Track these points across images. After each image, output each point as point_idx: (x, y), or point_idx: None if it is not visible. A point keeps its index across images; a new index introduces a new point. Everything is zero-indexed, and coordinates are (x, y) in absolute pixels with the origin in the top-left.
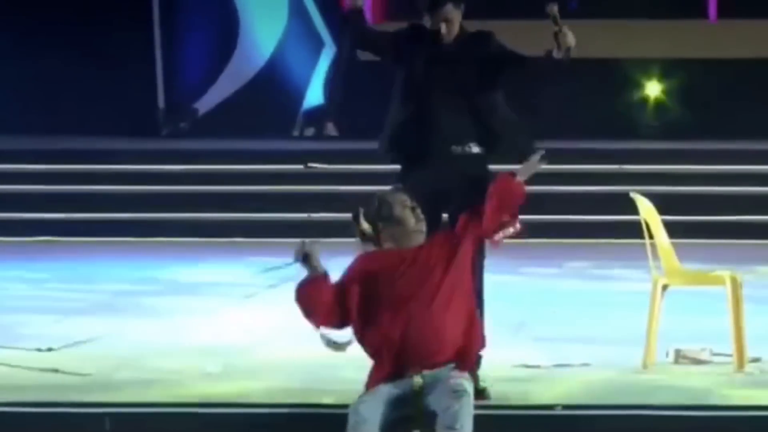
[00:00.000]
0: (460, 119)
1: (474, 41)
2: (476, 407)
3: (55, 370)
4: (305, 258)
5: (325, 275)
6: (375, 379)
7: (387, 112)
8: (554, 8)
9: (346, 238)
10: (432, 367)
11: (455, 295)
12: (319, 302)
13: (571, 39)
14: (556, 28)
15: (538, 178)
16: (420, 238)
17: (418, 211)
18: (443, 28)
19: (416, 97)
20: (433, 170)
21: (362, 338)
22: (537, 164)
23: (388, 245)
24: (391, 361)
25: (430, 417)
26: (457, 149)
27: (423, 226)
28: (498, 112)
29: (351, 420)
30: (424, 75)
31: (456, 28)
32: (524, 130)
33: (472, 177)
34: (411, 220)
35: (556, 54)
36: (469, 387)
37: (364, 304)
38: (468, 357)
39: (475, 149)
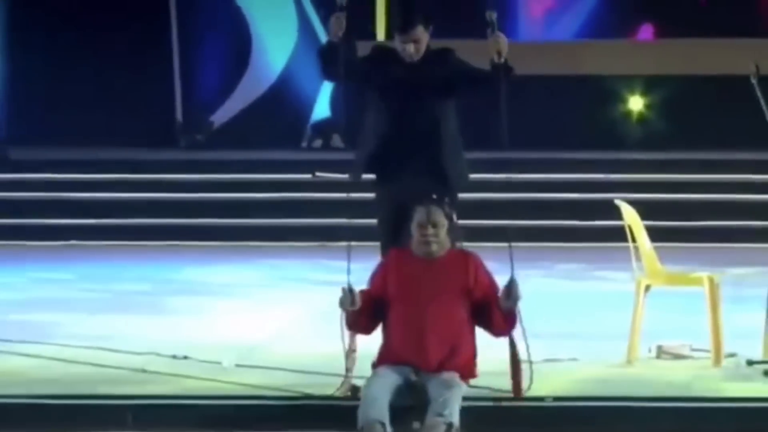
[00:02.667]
0: (422, 136)
1: (436, 58)
2: (471, 399)
3: (85, 364)
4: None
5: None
6: (383, 359)
7: (358, 138)
8: (493, 15)
9: (352, 242)
10: (428, 369)
11: (465, 319)
12: (365, 327)
13: (502, 44)
14: (492, 35)
15: (530, 186)
16: (420, 254)
17: (429, 233)
18: (411, 47)
19: (385, 115)
20: (398, 185)
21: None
22: (517, 294)
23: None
24: (396, 350)
25: (426, 407)
26: (419, 165)
27: (428, 248)
28: (449, 135)
29: (367, 395)
30: (391, 94)
31: (423, 48)
32: (465, 162)
33: (434, 192)
34: (415, 237)
35: (495, 59)
36: (460, 380)
37: (386, 292)
38: (467, 371)
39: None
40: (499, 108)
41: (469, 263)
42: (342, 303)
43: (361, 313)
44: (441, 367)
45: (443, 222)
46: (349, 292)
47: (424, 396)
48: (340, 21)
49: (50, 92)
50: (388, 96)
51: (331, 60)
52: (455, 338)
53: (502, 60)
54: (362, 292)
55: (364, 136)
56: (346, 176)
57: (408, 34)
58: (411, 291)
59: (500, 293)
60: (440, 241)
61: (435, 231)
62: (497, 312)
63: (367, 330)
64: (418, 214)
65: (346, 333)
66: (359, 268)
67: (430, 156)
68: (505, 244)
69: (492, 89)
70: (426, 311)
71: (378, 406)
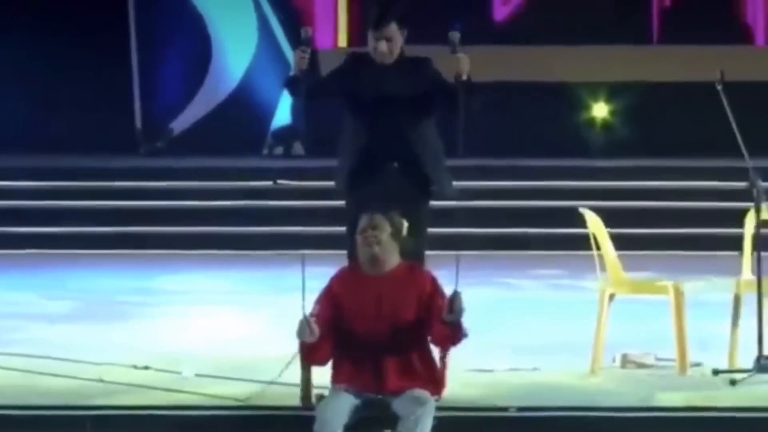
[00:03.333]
0: (398, 141)
1: (412, 66)
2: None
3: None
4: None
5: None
6: (339, 378)
7: (340, 145)
8: (456, 35)
9: (313, 250)
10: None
11: (421, 336)
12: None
13: (464, 64)
14: (453, 55)
15: (491, 194)
16: (364, 260)
17: (369, 234)
18: (383, 46)
19: (360, 125)
20: (370, 195)
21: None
22: (461, 307)
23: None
24: (352, 375)
25: (395, 420)
26: (394, 175)
27: (370, 250)
28: (428, 143)
29: (318, 419)
30: (364, 106)
31: (397, 50)
32: (446, 169)
33: (408, 200)
34: (359, 243)
35: (457, 78)
36: (431, 397)
37: (335, 314)
38: (433, 386)
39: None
40: (457, 119)
41: (416, 277)
42: (300, 334)
43: (320, 341)
44: (401, 390)
45: (385, 226)
46: (306, 321)
47: (388, 410)
48: (304, 58)
49: (4, 99)
50: (362, 108)
51: (296, 90)
52: (413, 357)
53: (464, 78)
54: (316, 316)
55: (345, 144)
56: (301, 183)
57: (380, 30)
58: (361, 310)
59: (444, 306)
60: (381, 243)
61: (375, 233)
62: (439, 326)
63: (325, 360)
64: (361, 221)
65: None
66: (322, 276)
67: (406, 166)
68: (467, 252)
69: (455, 104)
70: (379, 331)
71: (331, 429)
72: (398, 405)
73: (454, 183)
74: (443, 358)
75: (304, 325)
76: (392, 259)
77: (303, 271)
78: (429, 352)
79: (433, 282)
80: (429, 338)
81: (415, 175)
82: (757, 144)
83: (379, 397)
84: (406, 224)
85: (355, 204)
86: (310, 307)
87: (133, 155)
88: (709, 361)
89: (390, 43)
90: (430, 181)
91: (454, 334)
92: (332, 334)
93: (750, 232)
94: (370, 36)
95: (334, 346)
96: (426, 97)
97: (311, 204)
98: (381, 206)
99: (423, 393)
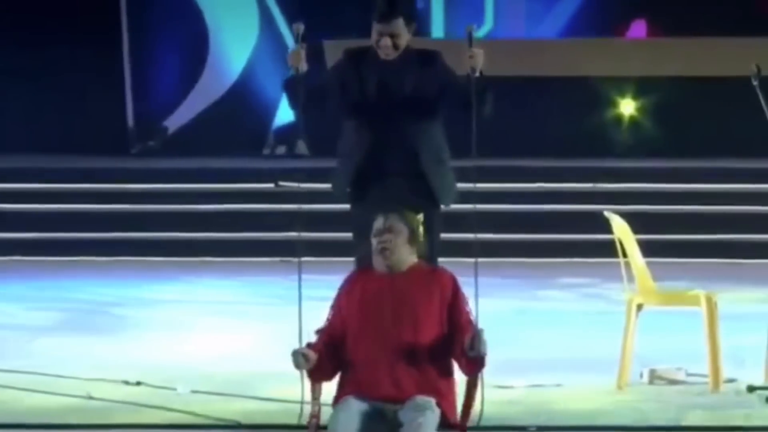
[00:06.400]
0: (401, 142)
1: (419, 60)
2: (450, 428)
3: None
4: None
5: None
6: (346, 390)
7: (340, 149)
8: (473, 27)
9: (317, 257)
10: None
11: (438, 342)
12: (330, 373)
13: (477, 60)
14: (468, 50)
15: (510, 197)
16: (378, 265)
17: (384, 239)
18: (388, 41)
19: (364, 118)
20: (378, 201)
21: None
22: (482, 347)
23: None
24: (362, 382)
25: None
26: (399, 181)
27: (383, 255)
28: (432, 146)
29: (333, 430)
30: (366, 108)
31: (401, 46)
32: (449, 175)
33: (415, 206)
34: (373, 248)
35: (470, 74)
36: (435, 405)
37: (347, 320)
38: (445, 402)
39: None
40: (471, 118)
41: (437, 277)
42: (297, 365)
43: (322, 362)
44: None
45: (401, 229)
46: (298, 353)
47: (397, 419)
48: (297, 55)
49: None
50: (363, 106)
51: (296, 99)
52: (430, 365)
53: (477, 74)
54: (321, 331)
55: (346, 149)
56: (301, 184)
57: (387, 24)
58: (373, 314)
59: (465, 342)
60: (395, 248)
61: (391, 237)
62: (461, 358)
63: (332, 375)
64: (376, 223)
65: (307, 382)
66: (328, 285)
67: (411, 171)
68: (484, 260)
69: (467, 103)
70: (395, 332)
71: None
72: (402, 412)
73: (469, 185)
74: (471, 383)
75: (298, 357)
76: (408, 260)
77: (300, 281)
78: (449, 367)
79: (454, 284)
80: (453, 359)
81: (417, 184)
82: None
83: (389, 406)
84: (421, 217)
85: (361, 211)
86: (317, 315)
87: (125, 155)
88: (744, 377)
89: (395, 39)
90: (431, 190)
91: (476, 365)
92: (335, 351)
93: None
94: (374, 29)
95: (342, 358)
96: (432, 95)
97: (316, 208)
98: (395, 206)
99: (426, 400)
